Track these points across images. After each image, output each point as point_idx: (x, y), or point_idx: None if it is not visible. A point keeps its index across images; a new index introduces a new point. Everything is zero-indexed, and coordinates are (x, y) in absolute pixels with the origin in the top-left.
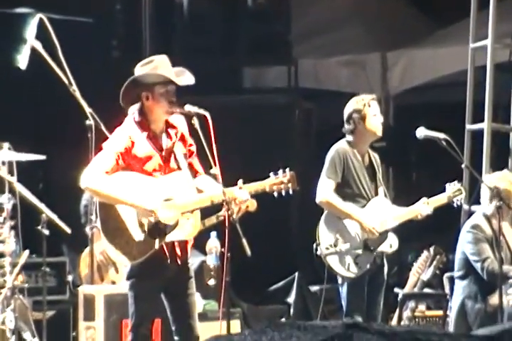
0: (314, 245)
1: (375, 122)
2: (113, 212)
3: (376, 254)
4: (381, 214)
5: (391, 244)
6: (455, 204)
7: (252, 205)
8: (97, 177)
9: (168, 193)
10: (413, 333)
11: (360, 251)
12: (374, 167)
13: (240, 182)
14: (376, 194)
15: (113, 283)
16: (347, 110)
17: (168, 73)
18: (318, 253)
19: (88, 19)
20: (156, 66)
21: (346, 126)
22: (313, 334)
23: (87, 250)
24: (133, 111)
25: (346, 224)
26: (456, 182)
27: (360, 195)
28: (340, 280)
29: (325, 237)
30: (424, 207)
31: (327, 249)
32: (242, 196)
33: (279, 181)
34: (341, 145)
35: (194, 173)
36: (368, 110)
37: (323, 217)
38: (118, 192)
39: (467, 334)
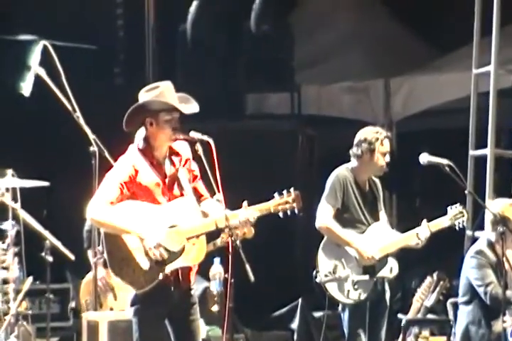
0: (314, 272)
1: (381, 160)
2: (119, 241)
3: (376, 280)
4: (381, 240)
5: (391, 269)
6: (457, 227)
7: (250, 232)
8: (102, 209)
9: (173, 220)
10: None
11: (359, 278)
12: (374, 192)
13: (245, 203)
14: (376, 219)
15: (111, 309)
16: (359, 136)
17: (174, 101)
18: (318, 280)
19: (92, 46)
20: (162, 92)
21: (354, 151)
22: None
23: (88, 277)
24: (139, 138)
25: (346, 250)
26: (457, 204)
27: (359, 220)
28: (341, 307)
29: (324, 264)
30: (422, 230)
31: (326, 276)
32: (247, 216)
33: (283, 201)
34: (342, 171)
35: (199, 197)
36: (379, 147)
37: (321, 244)
38: (122, 223)
39: None
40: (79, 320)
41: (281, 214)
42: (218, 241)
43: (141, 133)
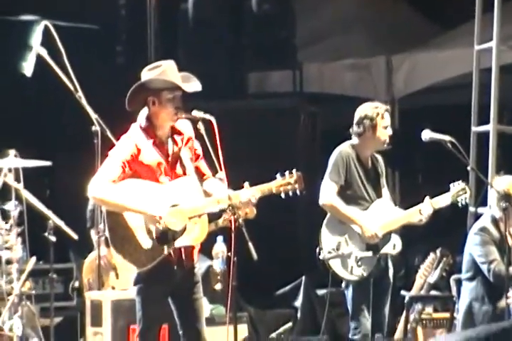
0: (317, 249)
1: (383, 134)
2: (120, 220)
3: (380, 256)
4: (384, 216)
5: (394, 245)
6: (459, 204)
7: (252, 212)
8: (104, 187)
9: (175, 199)
10: None
11: (363, 254)
12: (377, 169)
13: (247, 184)
14: (379, 196)
15: (113, 288)
16: (359, 113)
17: (176, 79)
18: (321, 257)
19: (93, 26)
20: (164, 71)
21: (355, 129)
22: None
23: (90, 256)
24: (142, 117)
25: (350, 227)
26: (460, 181)
27: (363, 197)
28: (344, 284)
29: (327, 241)
30: (425, 206)
31: (329, 252)
32: (249, 196)
33: (285, 182)
34: (344, 148)
35: (201, 176)
36: (380, 121)
37: (325, 221)
38: (125, 200)
39: None
40: (82, 299)
41: (282, 195)
42: (220, 221)
43: (143, 113)
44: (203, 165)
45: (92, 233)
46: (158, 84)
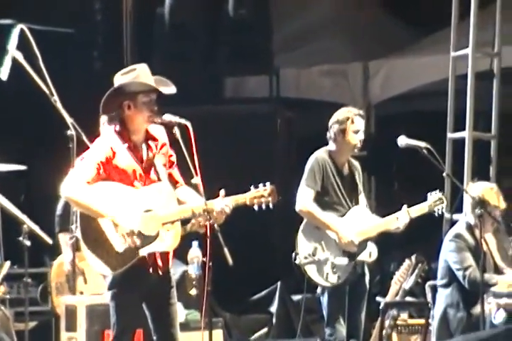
0: (293, 254)
1: (353, 139)
2: (93, 222)
3: (356, 263)
4: (360, 224)
5: (370, 253)
6: (436, 214)
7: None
8: (78, 188)
9: (149, 204)
10: None
11: (338, 261)
12: (354, 175)
13: (222, 192)
14: (356, 202)
15: (81, 293)
16: (332, 118)
17: (151, 82)
18: (297, 262)
19: (69, 30)
20: (138, 75)
21: (328, 134)
22: None
23: (57, 260)
24: (103, 121)
25: (326, 232)
26: (437, 191)
27: (339, 203)
28: (320, 290)
29: (303, 247)
30: (402, 216)
31: (305, 258)
32: (223, 206)
33: (259, 194)
34: (320, 154)
35: (174, 184)
36: (350, 126)
37: (301, 227)
38: (98, 205)
39: None
40: (52, 304)
41: (256, 207)
42: (188, 227)
43: (104, 117)
44: (176, 172)
45: (61, 237)
46: (134, 87)
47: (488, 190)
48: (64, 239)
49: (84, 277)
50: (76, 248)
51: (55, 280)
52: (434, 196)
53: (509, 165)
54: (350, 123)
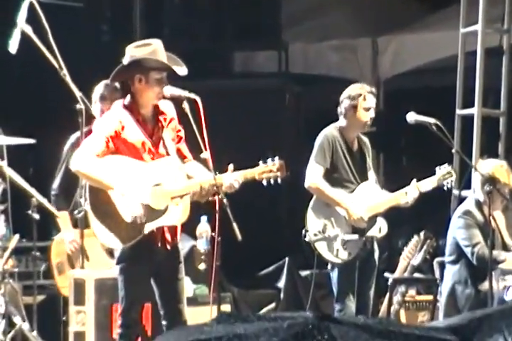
0: (303, 231)
1: (364, 116)
2: (103, 195)
3: (366, 239)
4: (369, 199)
5: (380, 228)
6: (445, 188)
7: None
8: (88, 161)
9: (158, 178)
10: (385, 325)
11: (348, 237)
12: (363, 151)
13: (231, 166)
14: (365, 179)
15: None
16: (343, 93)
17: (165, 59)
18: (307, 239)
19: (78, 3)
20: (155, 50)
21: (339, 109)
22: (288, 325)
23: (56, 239)
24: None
25: (335, 209)
26: (446, 165)
27: (348, 180)
28: (330, 266)
29: (313, 224)
30: (411, 190)
31: (315, 235)
32: (232, 181)
33: (268, 169)
34: (330, 131)
35: (182, 159)
36: (362, 103)
37: (311, 204)
38: (108, 177)
39: (435, 327)
40: (56, 284)
41: (264, 182)
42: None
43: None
44: (184, 147)
45: (75, 212)
46: (149, 63)
47: (498, 168)
48: (63, 218)
49: (86, 254)
50: (75, 225)
51: (56, 260)
52: (443, 170)
53: None
54: (362, 99)
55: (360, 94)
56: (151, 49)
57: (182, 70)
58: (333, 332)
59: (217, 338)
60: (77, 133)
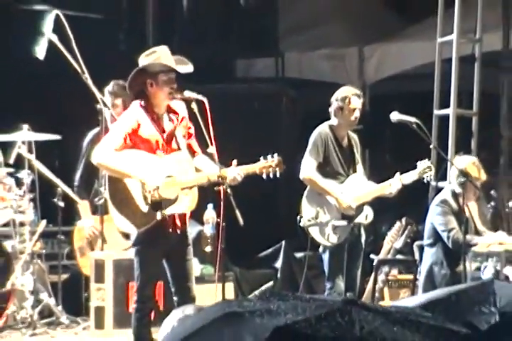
0: (298, 218)
1: (350, 116)
2: (120, 185)
3: (353, 225)
4: (357, 190)
5: (367, 216)
6: (425, 180)
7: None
8: (108, 154)
9: (170, 171)
10: (404, 314)
11: (338, 223)
12: (352, 147)
13: (235, 162)
14: (354, 171)
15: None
16: (333, 96)
17: (170, 62)
18: (301, 224)
19: (98, 15)
20: (159, 56)
21: (330, 109)
22: (316, 306)
23: (77, 226)
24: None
25: (327, 198)
26: (426, 160)
27: (339, 172)
28: (321, 248)
29: (307, 211)
30: (395, 182)
31: (309, 221)
32: (235, 174)
33: (268, 165)
34: (323, 128)
35: (192, 153)
36: (346, 105)
37: (305, 193)
38: (126, 168)
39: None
40: (78, 265)
41: (264, 176)
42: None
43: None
44: (194, 143)
45: (96, 199)
46: (155, 67)
47: (470, 164)
48: (83, 207)
49: (103, 237)
50: (93, 212)
51: (77, 244)
52: (423, 164)
53: (488, 139)
54: (348, 102)
55: (347, 97)
56: (156, 56)
57: (188, 68)
58: (353, 316)
59: (250, 312)
60: (95, 130)
